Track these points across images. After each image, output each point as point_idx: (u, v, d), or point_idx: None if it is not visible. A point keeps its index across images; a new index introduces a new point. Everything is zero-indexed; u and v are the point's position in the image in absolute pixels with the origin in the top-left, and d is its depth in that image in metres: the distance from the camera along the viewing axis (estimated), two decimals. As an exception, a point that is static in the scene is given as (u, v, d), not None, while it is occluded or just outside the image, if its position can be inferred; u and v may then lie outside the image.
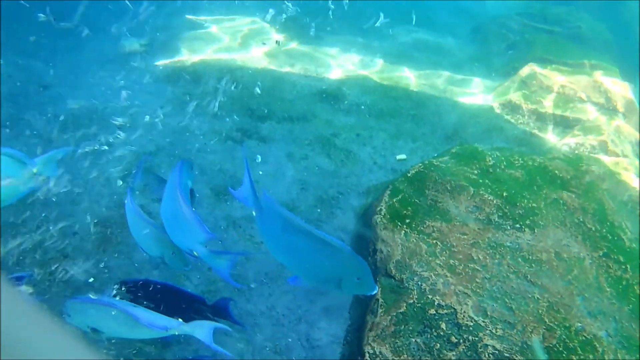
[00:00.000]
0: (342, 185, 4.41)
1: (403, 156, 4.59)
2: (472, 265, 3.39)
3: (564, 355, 3.06)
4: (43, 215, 4.04)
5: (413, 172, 3.93)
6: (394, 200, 3.75)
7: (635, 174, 4.32)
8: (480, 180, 3.91)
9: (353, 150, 4.71)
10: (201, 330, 3.03)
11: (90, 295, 2.86)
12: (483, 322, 3.14)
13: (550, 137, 5.13)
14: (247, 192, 2.83)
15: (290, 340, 3.67)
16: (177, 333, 2.96)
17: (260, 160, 4.66)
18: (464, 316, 3.15)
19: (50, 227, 3.98)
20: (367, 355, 3.19)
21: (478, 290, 3.27)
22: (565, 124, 5.19)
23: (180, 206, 2.79)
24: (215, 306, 3.42)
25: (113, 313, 2.76)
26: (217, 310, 3.41)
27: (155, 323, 2.91)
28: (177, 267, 3.26)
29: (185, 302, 3.32)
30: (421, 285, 3.29)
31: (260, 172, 4.60)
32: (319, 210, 4.30)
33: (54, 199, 4.09)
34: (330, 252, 2.58)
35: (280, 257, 2.81)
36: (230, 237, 4.25)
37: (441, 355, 3.06)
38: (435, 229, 3.57)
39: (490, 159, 4.10)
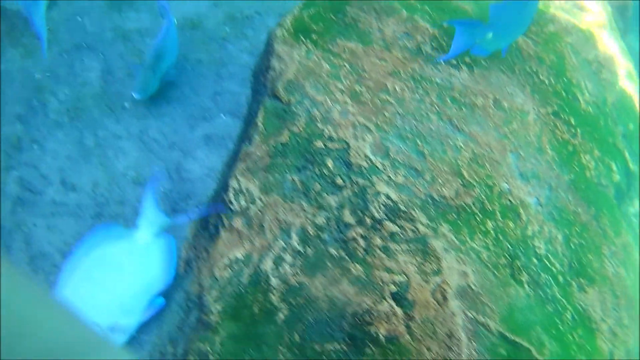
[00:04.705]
0: (261, 5, 3.27)
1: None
2: (383, 96, 2.34)
3: (477, 218, 2.09)
4: None
5: (337, -15, 2.79)
6: (305, 13, 2.64)
7: (608, 32, 3.21)
8: (419, 6, 2.79)
9: (284, -30, 3.52)
10: None
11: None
12: (382, 164, 2.13)
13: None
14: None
15: (156, 169, 2.65)
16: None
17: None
18: (357, 154, 2.14)
19: None
20: (231, 190, 2.20)
21: (384, 126, 2.24)
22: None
23: None
24: None
25: None
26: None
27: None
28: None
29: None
30: (312, 111, 2.25)
31: (169, -18, 3.43)
32: (227, 29, 3.19)
33: None
34: None
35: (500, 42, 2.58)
36: (116, 51, 3.14)
37: (319, 199, 2.08)
38: (347, 50, 2.49)
39: (437, -15, 2.95)
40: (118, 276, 2.08)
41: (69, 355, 0.54)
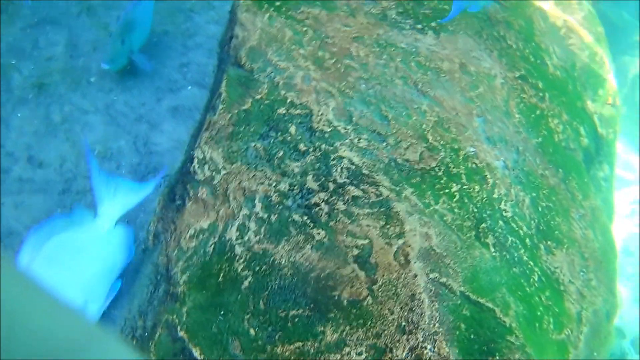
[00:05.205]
0: (229, -25, 3.17)
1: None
2: (347, 62, 2.27)
3: (442, 182, 2.04)
4: None
5: (302, -48, 2.69)
6: (269, -20, 2.54)
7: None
8: (385, -29, 2.70)
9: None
10: None
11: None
12: (344, 129, 2.07)
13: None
14: None
15: (123, 143, 2.57)
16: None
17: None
18: (320, 120, 2.08)
19: None
20: (195, 160, 2.13)
21: (347, 91, 2.18)
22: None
23: None
24: None
25: None
26: None
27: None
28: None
29: None
30: (274, 77, 2.18)
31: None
32: None
33: None
34: None
35: None
36: (81, 24, 3.03)
37: (282, 166, 2.02)
38: (310, 16, 2.41)
39: (405, -49, 2.86)
40: (79, 265, 2.00)
41: (66, 349, 0.51)
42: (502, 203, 2.14)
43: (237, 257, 1.92)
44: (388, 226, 1.85)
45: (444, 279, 1.74)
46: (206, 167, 2.13)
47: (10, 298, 0.50)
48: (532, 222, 2.19)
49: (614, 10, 4.27)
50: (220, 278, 1.92)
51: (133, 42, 2.72)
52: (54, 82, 2.81)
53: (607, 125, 2.81)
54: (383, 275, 1.74)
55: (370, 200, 1.91)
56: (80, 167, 2.57)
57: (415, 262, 1.75)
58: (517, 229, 2.12)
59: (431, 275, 1.74)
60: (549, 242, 2.21)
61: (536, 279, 2.06)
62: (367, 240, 1.82)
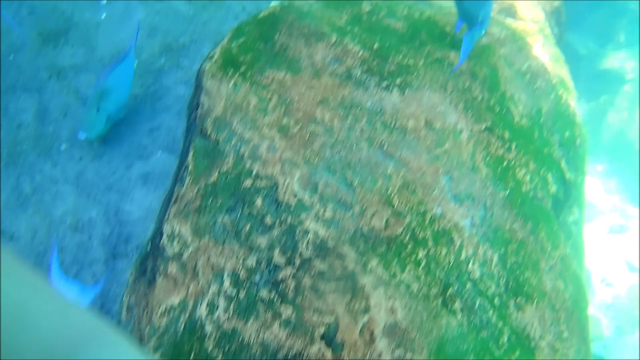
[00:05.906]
0: (197, 33, 3.21)
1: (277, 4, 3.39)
2: (312, 127, 2.31)
3: (408, 248, 2.07)
4: None
5: (266, 12, 2.75)
6: (234, 44, 2.59)
7: (542, 40, 3.21)
8: (348, 28, 2.75)
9: (220, -6, 3.46)
10: None
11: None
12: (309, 200, 2.11)
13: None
14: None
15: (94, 213, 2.59)
16: None
17: (105, 1, 3.39)
18: (286, 191, 2.11)
19: None
20: (164, 235, 2.16)
21: (312, 159, 2.21)
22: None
23: None
24: None
25: None
26: None
27: None
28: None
29: None
30: (240, 148, 2.22)
31: (104, 15, 3.34)
32: (162, 60, 3.12)
33: None
34: None
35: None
36: (51, 89, 3.06)
37: (249, 240, 2.04)
38: (275, 81, 2.45)
39: (368, 5, 2.92)
40: None
41: (69, 348, 0.51)
42: (470, 264, 2.17)
43: (207, 336, 1.94)
44: (354, 301, 1.88)
45: (409, 355, 1.77)
46: (175, 242, 2.15)
47: (13, 296, 0.50)
48: (501, 280, 2.22)
49: (580, 41, 4.35)
50: (191, 357, 1.94)
51: (110, 109, 2.72)
52: (24, 150, 2.83)
53: (575, 169, 2.86)
54: (349, 354, 1.76)
55: (337, 274, 1.94)
56: (51, 239, 2.58)
57: (380, 339, 1.78)
58: (485, 289, 2.15)
59: (396, 352, 1.76)
60: (518, 299, 2.24)
61: (505, 339, 2.09)
62: (333, 317, 1.85)
